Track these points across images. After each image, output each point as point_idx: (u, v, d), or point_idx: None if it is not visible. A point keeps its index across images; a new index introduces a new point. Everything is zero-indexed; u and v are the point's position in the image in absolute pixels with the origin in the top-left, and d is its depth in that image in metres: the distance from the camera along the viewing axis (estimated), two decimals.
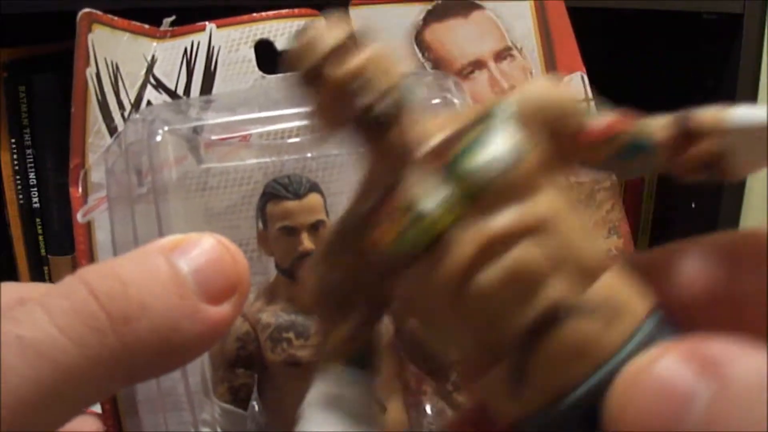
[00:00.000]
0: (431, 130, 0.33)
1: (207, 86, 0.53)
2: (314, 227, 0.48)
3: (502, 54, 0.55)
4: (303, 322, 0.48)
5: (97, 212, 0.51)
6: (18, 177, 1.03)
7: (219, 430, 0.47)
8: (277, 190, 0.48)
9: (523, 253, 0.30)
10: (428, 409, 0.51)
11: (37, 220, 0.95)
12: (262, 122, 0.51)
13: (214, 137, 0.52)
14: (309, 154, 0.52)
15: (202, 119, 0.51)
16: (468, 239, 0.30)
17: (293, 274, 0.48)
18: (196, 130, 0.50)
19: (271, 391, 0.49)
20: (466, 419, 0.37)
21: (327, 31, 0.33)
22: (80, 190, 0.51)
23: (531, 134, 0.32)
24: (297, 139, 0.52)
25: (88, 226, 0.51)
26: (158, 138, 0.46)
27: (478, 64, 0.55)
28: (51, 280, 0.93)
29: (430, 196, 0.31)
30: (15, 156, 1.02)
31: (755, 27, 1.03)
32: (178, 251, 0.32)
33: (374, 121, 0.32)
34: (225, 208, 0.52)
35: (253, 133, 0.52)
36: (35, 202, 0.94)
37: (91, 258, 0.51)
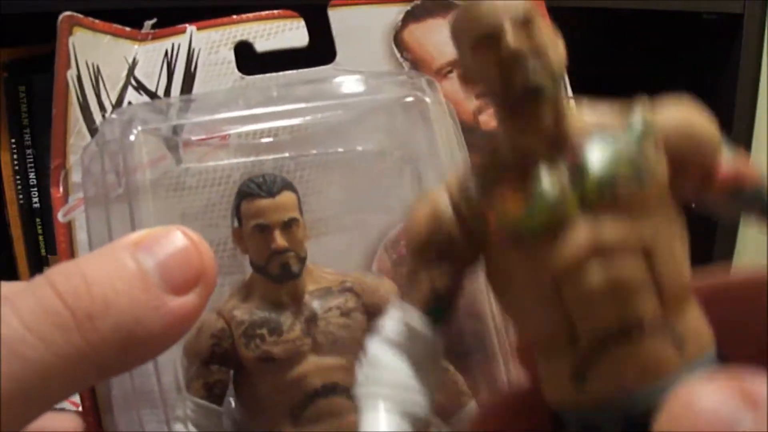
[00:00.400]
0: (571, 123, 0.35)
1: (187, 88, 0.54)
2: (287, 225, 0.48)
3: None
4: (276, 318, 0.49)
5: (77, 212, 0.52)
6: (18, 177, 1.04)
7: (191, 426, 0.48)
8: (251, 189, 0.48)
9: (629, 267, 0.33)
10: None
11: (37, 220, 0.96)
12: (241, 122, 0.52)
13: (193, 138, 0.53)
14: (287, 154, 0.53)
15: (181, 119, 0.52)
16: (586, 237, 0.33)
17: (267, 271, 0.49)
18: (176, 130, 0.51)
19: (246, 387, 0.49)
20: (511, 400, 0.40)
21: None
22: (61, 190, 0.52)
23: (664, 156, 0.34)
24: (273, 139, 0.52)
25: (69, 226, 0.52)
26: (132, 138, 0.47)
27: (457, 64, 0.55)
28: None
29: (564, 188, 0.33)
30: (15, 156, 1.03)
31: (755, 27, 1.03)
32: (143, 246, 0.33)
33: (539, 98, 0.33)
34: (203, 207, 0.52)
35: (231, 133, 0.53)
36: (35, 202, 0.95)
37: (72, 257, 0.52)
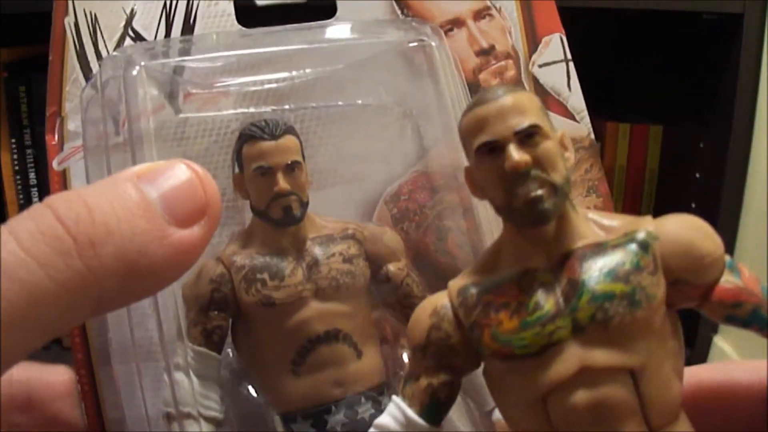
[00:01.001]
0: (577, 231, 0.37)
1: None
2: (290, 168, 0.48)
3: (481, 13, 0.56)
4: (278, 263, 0.48)
5: (72, 160, 0.51)
6: (18, 177, 1.03)
7: (192, 373, 0.46)
8: (253, 132, 0.48)
9: (615, 390, 0.34)
10: (405, 357, 0.50)
11: None
12: (242, 70, 0.51)
13: (193, 90, 0.52)
14: (287, 106, 0.52)
15: (180, 65, 0.51)
16: (574, 358, 0.34)
17: (269, 215, 0.48)
18: (176, 71, 0.50)
19: (245, 335, 0.48)
20: None
21: (518, 105, 0.36)
22: (56, 137, 0.51)
23: (663, 271, 0.35)
24: (276, 86, 0.52)
25: (64, 175, 0.51)
26: (134, 73, 0.46)
27: (457, 23, 0.55)
28: None
29: (557, 306, 0.35)
30: (15, 156, 1.02)
31: (755, 27, 1.04)
32: (147, 177, 0.32)
33: (540, 212, 0.35)
34: (202, 157, 0.51)
35: (232, 83, 0.52)
36: (35, 202, 0.94)
37: None
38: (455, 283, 0.39)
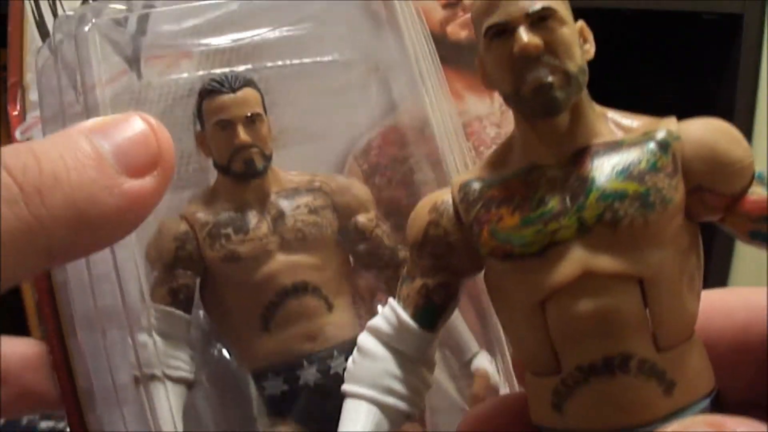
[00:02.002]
0: (592, 128, 0.34)
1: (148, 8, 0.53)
2: (250, 120, 0.47)
3: None
4: (242, 217, 0.47)
5: (36, 130, 0.51)
6: None
7: (155, 335, 0.45)
8: (213, 86, 0.47)
9: (621, 299, 0.31)
10: (379, 307, 0.49)
11: None
12: (204, 32, 0.51)
13: (155, 51, 0.51)
14: (250, 65, 0.52)
15: (142, 30, 0.50)
16: (578, 261, 0.32)
17: (231, 169, 0.47)
18: (139, 30, 0.50)
19: (213, 293, 0.48)
20: (502, 406, 0.39)
21: None
22: (18, 107, 0.51)
23: (683, 175, 0.33)
24: (238, 44, 0.51)
25: None
26: (86, 28, 0.46)
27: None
28: (50, 279, 0.93)
29: (563, 203, 0.32)
30: None
31: (755, 27, 1.03)
32: (100, 130, 0.31)
33: (549, 100, 0.32)
34: (166, 121, 0.50)
35: (194, 44, 0.51)
36: None
37: None
38: (459, 178, 0.36)
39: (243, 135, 0.46)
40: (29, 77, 0.51)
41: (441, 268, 0.36)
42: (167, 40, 0.51)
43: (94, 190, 0.29)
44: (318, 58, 0.53)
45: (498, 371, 0.48)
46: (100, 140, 0.31)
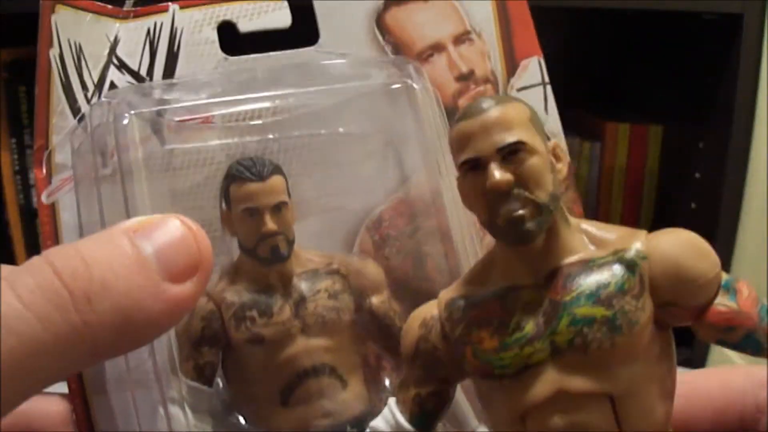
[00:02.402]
0: (567, 245, 0.36)
1: (170, 67, 0.54)
2: (277, 208, 0.49)
3: (461, 38, 0.56)
4: (266, 300, 0.49)
5: (61, 193, 0.52)
6: (18, 177, 1.03)
7: (186, 407, 0.48)
8: (241, 172, 0.49)
9: (592, 415, 0.34)
10: (387, 383, 0.53)
11: (37, 220, 0.96)
12: (226, 105, 0.52)
13: (177, 119, 0.52)
14: (270, 136, 0.53)
15: (166, 101, 0.51)
16: (551, 381, 0.35)
17: (257, 254, 0.49)
18: (160, 113, 0.51)
19: (235, 369, 0.50)
20: None
21: (503, 120, 0.35)
22: (44, 171, 0.52)
23: (651, 292, 0.35)
24: (259, 122, 0.52)
25: (53, 207, 0.52)
26: (125, 121, 0.47)
27: (438, 47, 0.56)
28: None
29: (537, 327, 0.35)
30: (15, 156, 1.02)
31: (755, 27, 1.04)
32: (142, 232, 0.33)
33: (521, 232, 0.35)
34: (188, 188, 0.52)
35: (216, 114, 0.53)
36: (35, 203, 0.95)
37: (56, 239, 0.52)
38: (445, 294, 0.39)
39: (270, 224, 0.48)
40: (55, 140, 0.52)
41: (432, 379, 0.40)
42: (189, 109, 0.52)
43: (139, 296, 0.32)
44: (336, 129, 0.55)
45: None
46: (144, 243, 0.33)
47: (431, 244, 0.54)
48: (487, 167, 0.35)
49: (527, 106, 0.37)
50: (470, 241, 0.52)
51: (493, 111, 0.35)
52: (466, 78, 0.57)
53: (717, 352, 1.12)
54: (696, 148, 1.18)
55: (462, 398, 0.51)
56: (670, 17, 1.12)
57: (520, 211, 0.35)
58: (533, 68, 0.58)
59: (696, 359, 1.12)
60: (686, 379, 0.40)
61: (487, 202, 0.35)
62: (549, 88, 0.58)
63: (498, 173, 0.34)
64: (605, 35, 1.23)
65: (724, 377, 0.44)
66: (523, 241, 0.35)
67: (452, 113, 0.55)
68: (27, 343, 0.29)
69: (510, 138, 0.35)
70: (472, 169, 0.36)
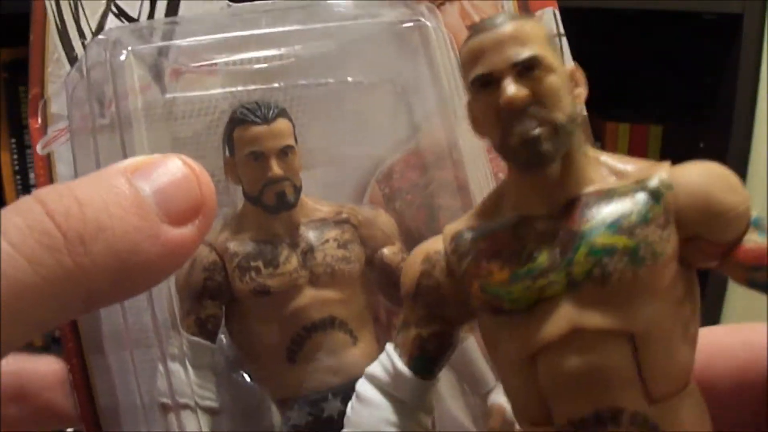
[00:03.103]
0: (584, 176, 0.34)
1: (171, 14, 0.52)
2: (283, 152, 0.47)
3: None
4: (272, 250, 0.47)
5: (56, 144, 0.50)
6: (18, 177, 1.03)
7: (188, 363, 0.46)
8: (245, 115, 0.46)
9: (610, 355, 0.31)
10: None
11: None
12: (230, 49, 0.50)
13: (178, 65, 0.50)
14: (276, 84, 0.51)
15: (166, 44, 0.49)
16: (566, 318, 0.32)
17: (262, 201, 0.47)
18: (161, 52, 0.49)
19: (239, 323, 0.48)
20: None
21: (518, 34, 0.33)
22: (39, 120, 0.50)
23: (676, 225, 0.32)
24: (264, 65, 0.50)
25: (48, 159, 0.50)
26: (122, 57, 0.45)
27: None
28: None
29: (552, 258, 0.32)
30: (15, 156, 1.02)
31: (755, 27, 1.04)
32: (140, 172, 0.31)
33: (537, 153, 0.32)
34: (190, 137, 0.50)
35: (219, 61, 0.50)
36: None
37: None
38: (451, 227, 0.36)
39: (276, 168, 0.46)
40: (51, 89, 0.49)
41: (434, 318, 0.37)
42: (191, 55, 0.50)
43: (136, 239, 0.29)
44: (344, 78, 0.52)
45: None
46: (142, 183, 0.31)
47: (445, 197, 0.52)
48: (501, 83, 0.32)
49: (544, 26, 0.35)
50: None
51: (507, 25, 0.33)
52: None
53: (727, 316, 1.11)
54: (696, 148, 1.18)
55: (479, 357, 0.49)
56: (670, 17, 1.12)
57: (537, 131, 0.32)
58: (548, 19, 0.55)
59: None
60: (707, 334, 0.37)
61: (500, 122, 0.33)
62: (564, 40, 0.56)
63: (513, 87, 0.32)
64: (605, 35, 1.22)
65: (747, 334, 0.42)
66: (538, 163, 0.33)
67: None
68: (18, 287, 0.27)
69: (526, 53, 0.32)
70: (484, 86, 0.33)
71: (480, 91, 0.33)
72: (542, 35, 0.34)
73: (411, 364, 0.37)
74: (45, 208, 0.29)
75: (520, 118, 0.32)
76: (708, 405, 0.35)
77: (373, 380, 0.38)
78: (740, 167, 1.08)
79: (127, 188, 0.30)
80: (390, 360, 0.37)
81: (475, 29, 0.34)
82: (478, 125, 0.35)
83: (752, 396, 0.40)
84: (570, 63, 0.54)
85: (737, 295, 1.09)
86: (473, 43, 0.33)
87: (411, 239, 0.52)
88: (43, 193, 0.29)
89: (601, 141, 1.23)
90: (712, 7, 1.05)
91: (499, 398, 0.49)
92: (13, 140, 1.04)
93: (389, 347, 0.38)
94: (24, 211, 0.28)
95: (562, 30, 0.55)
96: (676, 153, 1.24)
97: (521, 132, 0.32)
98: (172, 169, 0.32)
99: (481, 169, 0.49)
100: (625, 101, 1.30)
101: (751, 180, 1.08)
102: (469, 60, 0.33)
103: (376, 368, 0.38)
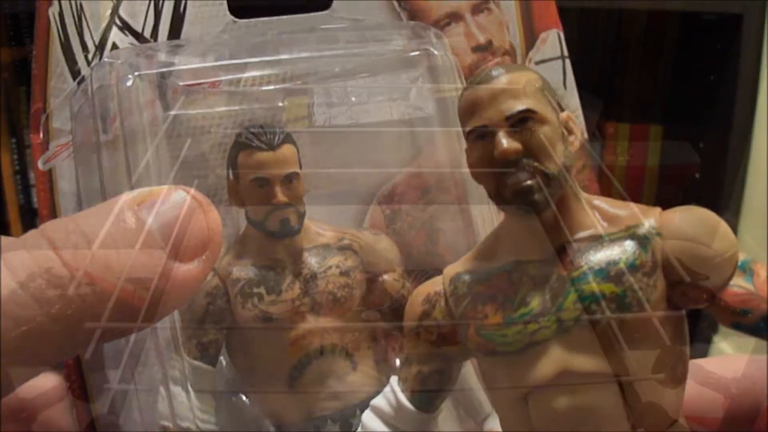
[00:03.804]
0: (577, 221, 0.35)
1: (175, 29, 0.51)
2: (288, 179, 0.46)
3: (479, 6, 0.54)
4: (274, 276, 0.47)
5: (58, 160, 0.49)
6: (18, 177, 1.02)
7: (189, 386, 0.46)
8: (250, 140, 0.46)
9: (597, 397, 0.33)
10: (397, 362, 0.50)
11: (37, 220, 0.94)
12: (233, 69, 0.49)
13: (182, 83, 0.50)
14: (280, 104, 0.51)
15: (171, 64, 0.49)
16: (556, 361, 0.33)
17: (265, 227, 0.47)
18: (164, 76, 0.48)
19: (240, 347, 0.48)
20: None
21: (512, 87, 0.34)
22: (41, 135, 0.49)
23: (663, 270, 0.33)
24: (268, 87, 0.50)
25: (50, 175, 0.49)
26: (129, 83, 0.44)
27: (455, 16, 0.54)
28: None
29: (544, 303, 0.33)
30: (15, 156, 1.01)
31: (755, 27, 1.03)
32: (147, 205, 0.31)
33: (529, 203, 0.33)
34: (193, 157, 0.50)
35: (223, 80, 0.50)
36: (35, 202, 0.93)
37: (53, 208, 0.49)
38: (451, 269, 0.37)
39: (281, 195, 0.46)
40: (53, 103, 0.49)
41: (435, 356, 0.38)
42: (195, 73, 0.50)
43: (143, 276, 0.29)
44: (348, 100, 0.52)
45: None
46: (147, 216, 0.30)
47: (445, 220, 0.52)
48: (495, 136, 0.33)
49: (539, 76, 0.36)
50: (489, 216, 0.49)
51: (502, 78, 0.34)
52: (483, 49, 0.54)
53: (716, 351, 1.12)
54: (696, 148, 1.17)
55: (476, 384, 0.49)
56: (670, 17, 1.12)
57: (529, 182, 0.33)
58: (552, 41, 0.55)
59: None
60: (698, 366, 0.38)
61: (494, 173, 0.34)
62: (568, 62, 0.56)
63: (506, 141, 0.33)
64: (605, 35, 1.22)
65: (738, 366, 0.43)
66: (531, 212, 0.34)
67: None
68: (23, 326, 0.26)
69: (519, 106, 0.33)
70: (480, 137, 0.34)
71: (476, 141, 0.34)
72: (536, 87, 0.35)
73: (413, 398, 0.38)
74: (51, 243, 0.28)
75: (514, 170, 0.33)
76: None
77: (378, 413, 0.40)
78: (740, 167, 1.08)
79: (134, 223, 0.30)
80: (394, 394, 0.39)
81: (472, 80, 0.35)
82: (475, 172, 0.36)
83: (741, 428, 0.41)
84: (572, 88, 0.55)
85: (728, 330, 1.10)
86: (470, 94, 0.35)
87: (411, 261, 0.52)
88: (50, 228, 0.29)
89: (601, 141, 1.23)
90: (712, 7, 1.05)
91: (496, 425, 0.50)
92: (13, 140, 1.03)
93: (393, 381, 0.39)
94: (31, 246, 0.28)
95: (566, 52, 0.55)
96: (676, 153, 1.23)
97: (514, 183, 0.33)
98: (179, 202, 0.31)
99: (483, 192, 0.49)
100: (625, 101, 1.30)
101: (751, 180, 1.08)
102: (466, 111, 0.35)
103: (381, 401, 0.40)
